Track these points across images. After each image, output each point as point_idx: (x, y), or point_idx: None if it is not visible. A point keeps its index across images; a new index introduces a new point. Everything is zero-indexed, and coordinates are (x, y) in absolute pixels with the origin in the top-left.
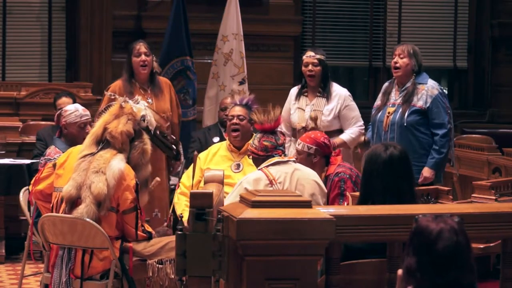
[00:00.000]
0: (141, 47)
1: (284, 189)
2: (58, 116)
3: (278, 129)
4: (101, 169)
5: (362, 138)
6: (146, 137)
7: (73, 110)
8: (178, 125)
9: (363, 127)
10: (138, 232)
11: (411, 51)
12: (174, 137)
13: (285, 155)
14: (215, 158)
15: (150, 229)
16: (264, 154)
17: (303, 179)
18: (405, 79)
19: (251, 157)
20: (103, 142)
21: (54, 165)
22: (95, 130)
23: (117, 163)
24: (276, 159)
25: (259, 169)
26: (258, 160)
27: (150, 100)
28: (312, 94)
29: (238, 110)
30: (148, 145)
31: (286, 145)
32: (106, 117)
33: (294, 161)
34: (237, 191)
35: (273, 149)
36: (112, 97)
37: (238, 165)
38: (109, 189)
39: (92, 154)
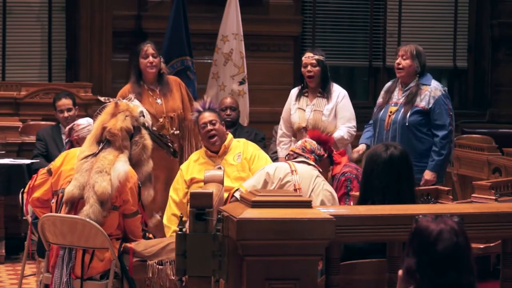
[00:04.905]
0: (149, 48)
1: (286, 189)
2: (70, 130)
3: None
4: (105, 169)
5: (357, 151)
6: (145, 132)
7: (85, 124)
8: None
9: (355, 129)
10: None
11: (414, 52)
12: (168, 136)
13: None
14: (197, 166)
15: (150, 236)
16: (299, 152)
17: (322, 186)
18: (408, 80)
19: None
20: (103, 142)
21: (49, 171)
22: (94, 132)
23: (122, 165)
24: (304, 159)
25: (285, 161)
26: (290, 157)
27: (159, 101)
28: (312, 94)
29: (208, 116)
30: (148, 140)
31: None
32: (103, 117)
33: (320, 171)
34: (259, 175)
35: (309, 152)
36: (107, 100)
37: (219, 168)
38: (112, 189)
39: (94, 154)
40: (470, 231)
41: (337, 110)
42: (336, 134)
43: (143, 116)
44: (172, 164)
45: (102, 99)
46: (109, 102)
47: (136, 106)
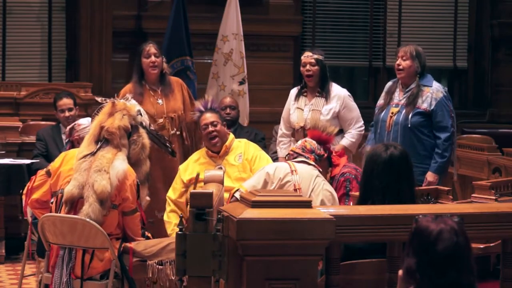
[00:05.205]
0: (151, 48)
1: (286, 189)
2: (71, 130)
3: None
4: (103, 168)
5: (368, 147)
6: (142, 131)
7: (86, 124)
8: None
9: (363, 127)
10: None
11: (413, 53)
12: (167, 137)
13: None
14: (197, 166)
15: (149, 235)
16: (299, 152)
17: (322, 186)
18: (408, 81)
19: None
20: (101, 141)
21: (47, 172)
22: (91, 131)
23: (120, 163)
24: (304, 159)
25: (285, 161)
26: (290, 157)
27: (160, 101)
28: (311, 94)
29: (209, 117)
30: (147, 139)
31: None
32: (100, 117)
33: (320, 171)
34: (259, 175)
35: (309, 152)
36: (104, 101)
37: (220, 168)
38: (111, 188)
39: (92, 153)
40: (470, 231)
41: (343, 114)
42: (346, 142)
43: (141, 115)
44: (172, 163)
45: (99, 99)
46: (106, 102)
47: (133, 105)
